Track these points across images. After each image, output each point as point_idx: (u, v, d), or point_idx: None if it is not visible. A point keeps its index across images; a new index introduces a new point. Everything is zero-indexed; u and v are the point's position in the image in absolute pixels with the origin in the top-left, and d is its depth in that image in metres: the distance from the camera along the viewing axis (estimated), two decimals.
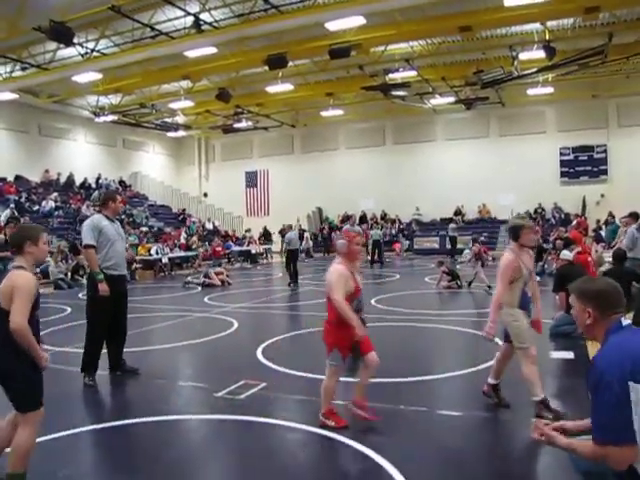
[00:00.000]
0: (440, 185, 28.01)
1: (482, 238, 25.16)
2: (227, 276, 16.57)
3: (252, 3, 15.59)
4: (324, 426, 4.46)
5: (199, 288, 15.52)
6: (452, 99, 23.88)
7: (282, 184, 31.88)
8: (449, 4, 15.01)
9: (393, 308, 10.76)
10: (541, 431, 2.43)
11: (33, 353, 3.25)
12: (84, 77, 19.15)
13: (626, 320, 2.31)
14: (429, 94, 23.51)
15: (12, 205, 21.24)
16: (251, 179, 33.45)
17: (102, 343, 6.25)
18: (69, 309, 11.95)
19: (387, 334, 8.67)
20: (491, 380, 4.96)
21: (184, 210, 30.88)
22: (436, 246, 26.54)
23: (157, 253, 20.29)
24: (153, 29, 16.49)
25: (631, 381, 2.01)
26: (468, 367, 6.22)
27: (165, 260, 20.46)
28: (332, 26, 15.30)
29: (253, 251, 26.10)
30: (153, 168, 32.56)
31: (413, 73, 20.42)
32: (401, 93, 22.13)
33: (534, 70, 19.14)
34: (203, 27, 15.89)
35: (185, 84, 22.45)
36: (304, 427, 4.57)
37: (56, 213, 23.16)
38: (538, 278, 15.40)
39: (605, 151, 25.74)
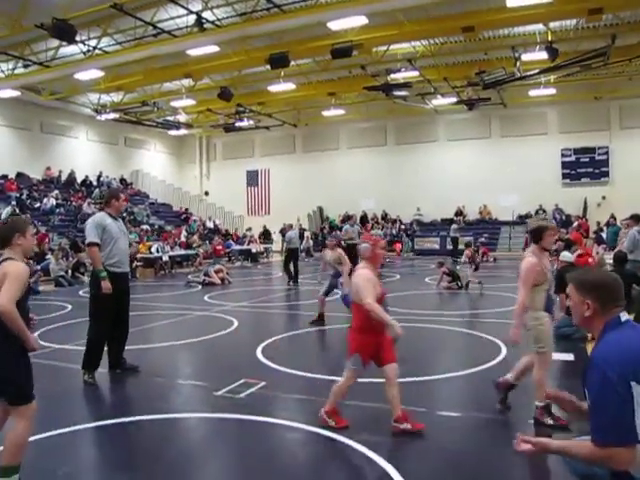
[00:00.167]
0: (441, 185, 28.00)
1: (482, 239, 25.25)
2: (227, 274, 16.58)
3: (254, 2, 15.58)
4: (324, 425, 4.44)
5: (199, 287, 15.52)
6: (454, 99, 23.86)
7: (283, 183, 31.88)
8: (452, 4, 14.99)
9: (393, 309, 10.74)
10: (528, 441, 2.26)
11: (22, 335, 3.26)
12: (86, 75, 19.16)
13: (625, 315, 2.26)
14: (431, 94, 23.49)
15: (13, 202, 21.26)
16: (252, 178, 33.44)
17: (105, 341, 6.25)
18: (70, 306, 11.96)
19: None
20: (511, 379, 4.86)
21: (187, 209, 30.85)
22: (436, 247, 26.53)
23: (157, 251, 20.29)
24: (155, 27, 16.48)
25: (633, 381, 1.99)
26: (468, 368, 6.22)
27: (165, 258, 20.46)
28: (334, 26, 15.29)
29: (254, 250, 26.09)
30: (154, 166, 32.57)
31: (415, 73, 20.40)
32: (403, 93, 22.11)
33: (536, 71, 19.13)
34: (205, 25, 15.87)
35: (187, 82, 22.44)
36: (303, 426, 4.57)
37: (57, 210, 23.18)
38: None
39: (607, 153, 25.72)
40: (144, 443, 4.54)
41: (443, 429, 4.59)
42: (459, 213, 28.05)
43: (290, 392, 5.60)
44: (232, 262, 24.34)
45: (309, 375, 6.20)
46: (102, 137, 29.19)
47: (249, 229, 28.59)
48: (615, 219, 21.29)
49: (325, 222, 31.15)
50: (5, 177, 23.41)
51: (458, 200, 27.88)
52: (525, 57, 18.56)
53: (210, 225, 29.94)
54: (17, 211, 20.33)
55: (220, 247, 24.78)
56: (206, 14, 15.86)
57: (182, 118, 27.45)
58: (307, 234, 28.15)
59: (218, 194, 33.72)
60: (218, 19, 16.41)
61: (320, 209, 31.73)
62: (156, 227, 25.61)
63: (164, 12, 16.13)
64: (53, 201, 23.24)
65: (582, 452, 2.11)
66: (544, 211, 26.59)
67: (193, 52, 17.33)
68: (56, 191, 24.36)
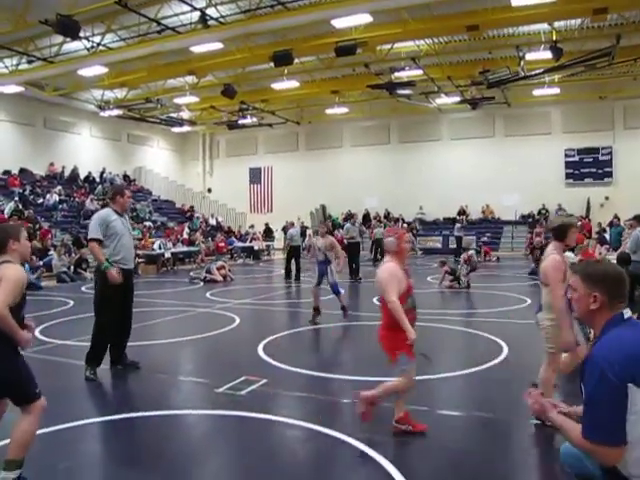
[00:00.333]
0: (444, 184, 27.97)
1: (485, 238, 25.25)
2: (229, 271, 16.59)
3: None
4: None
5: (201, 283, 15.54)
6: (458, 98, 23.82)
7: (286, 181, 31.88)
8: (456, 3, 14.94)
9: None
10: (537, 400, 2.33)
11: (14, 335, 3.24)
12: (90, 71, 19.15)
13: (628, 313, 2.21)
14: (435, 93, 23.44)
15: (16, 198, 21.30)
16: (255, 175, 33.44)
17: (109, 337, 6.26)
18: (72, 302, 12.00)
19: None
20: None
21: (192, 207, 30.85)
22: (439, 245, 26.52)
23: (160, 248, 20.31)
24: (159, 24, 16.47)
25: (631, 383, 1.98)
26: (469, 367, 6.22)
27: (168, 255, 20.48)
28: (338, 23, 15.26)
29: (256, 247, 26.10)
30: (157, 163, 32.58)
31: (419, 72, 20.36)
32: (406, 92, 22.07)
33: (540, 71, 19.06)
34: (209, 22, 15.87)
35: (190, 79, 22.43)
36: (304, 424, 4.57)
37: (60, 206, 23.20)
38: None
39: (610, 153, 25.64)
40: (145, 439, 4.55)
41: (444, 428, 4.58)
42: (462, 212, 28.00)
43: (291, 390, 5.60)
44: (234, 259, 24.36)
45: (310, 373, 6.21)
46: (105, 133, 29.20)
47: (252, 226, 28.62)
48: (619, 220, 21.23)
49: (328, 220, 31.10)
50: (8, 173, 23.43)
51: (461, 199, 27.85)
52: (529, 56, 18.50)
53: (213, 222, 29.95)
54: (20, 207, 20.36)
55: (222, 244, 24.81)
56: (210, 11, 15.85)
57: (185, 115, 27.44)
58: (309, 232, 28.13)
59: (221, 191, 33.72)
60: (222, 16, 16.40)
61: (323, 207, 31.71)
62: (159, 224, 25.62)
63: (168, 9, 16.12)
64: (56, 197, 23.27)
65: (573, 437, 2.10)
66: (547, 211, 26.56)
67: (197, 49, 17.32)
68: (59, 187, 24.37)
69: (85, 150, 28.05)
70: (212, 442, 4.53)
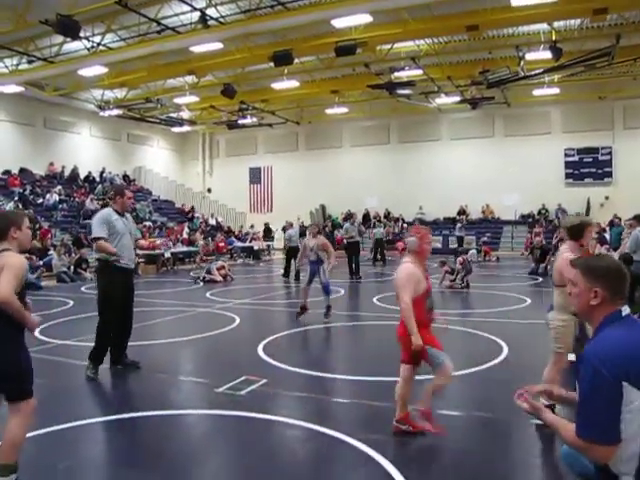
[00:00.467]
0: (444, 184, 27.97)
1: (485, 238, 25.26)
2: (229, 271, 16.60)
3: None
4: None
5: (201, 283, 15.54)
6: (457, 98, 23.82)
7: (286, 181, 31.89)
8: (456, 3, 14.93)
9: (394, 307, 10.74)
10: (527, 400, 2.32)
11: (22, 319, 3.24)
12: (90, 71, 19.15)
13: (626, 310, 2.19)
14: (434, 93, 23.44)
15: (16, 198, 21.31)
16: (255, 175, 33.45)
17: (112, 336, 6.28)
18: (71, 302, 11.99)
19: (388, 333, 8.67)
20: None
21: (192, 208, 30.84)
22: (439, 245, 26.51)
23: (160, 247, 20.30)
24: (159, 24, 16.47)
25: (625, 382, 1.97)
26: (469, 367, 6.21)
27: (168, 255, 20.49)
28: (338, 23, 15.26)
29: (256, 247, 26.10)
30: (157, 163, 32.58)
31: (419, 72, 20.36)
32: (406, 92, 22.07)
33: (540, 71, 19.07)
34: (209, 22, 15.87)
35: (190, 79, 22.43)
36: (304, 424, 4.57)
37: (60, 206, 23.20)
38: (540, 279, 15.45)
39: (610, 153, 25.65)
40: (145, 439, 4.55)
41: (445, 428, 4.58)
42: (462, 212, 28.01)
43: (291, 390, 5.60)
44: (234, 259, 24.36)
45: (310, 373, 6.21)
46: (105, 133, 29.20)
47: (252, 226, 28.64)
48: (620, 220, 21.23)
49: (328, 220, 31.14)
50: (8, 172, 23.43)
51: (461, 199, 27.86)
52: (529, 56, 18.50)
53: (212, 222, 29.96)
54: (20, 206, 20.36)
55: (222, 244, 24.81)
56: (210, 11, 15.85)
57: (185, 115, 27.43)
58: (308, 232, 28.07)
59: (221, 191, 33.72)
60: (222, 16, 16.40)
61: (323, 207, 31.72)
62: (158, 223, 25.62)
63: (168, 9, 16.12)
64: (56, 197, 23.27)
65: (566, 436, 2.10)
66: (547, 211, 26.58)
67: (197, 49, 17.32)
68: (59, 187, 24.37)
69: (85, 150, 28.04)
70: (212, 442, 4.53)
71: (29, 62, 19.36)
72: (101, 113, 25.59)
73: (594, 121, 25.61)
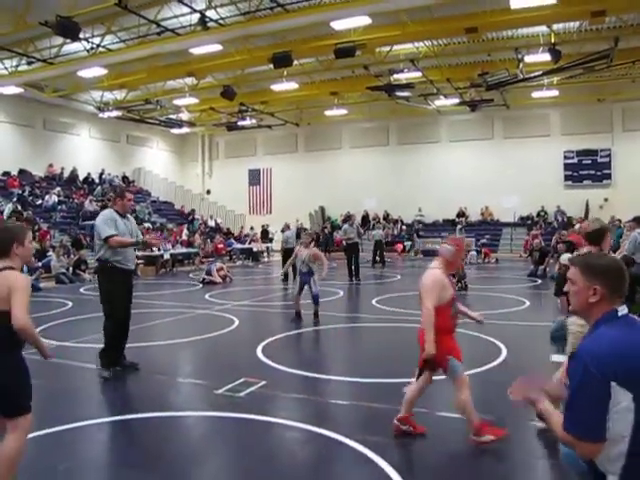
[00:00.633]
0: (443, 186, 27.98)
1: (484, 240, 25.29)
2: (228, 272, 16.60)
3: (258, 1, 15.58)
4: (481, 444, 4.15)
5: (200, 285, 15.54)
6: (456, 100, 23.83)
7: (285, 182, 31.89)
8: (455, 5, 14.96)
9: (394, 309, 10.77)
10: (522, 392, 2.29)
11: (39, 347, 3.18)
12: (89, 72, 19.15)
13: (624, 310, 2.17)
14: (434, 95, 23.46)
15: (15, 199, 21.30)
16: (254, 177, 33.45)
17: (120, 334, 6.31)
18: (70, 303, 11.98)
19: (388, 335, 8.68)
20: None
21: (193, 210, 30.84)
22: (438, 247, 26.50)
23: (159, 249, 20.30)
24: (159, 25, 16.47)
25: (614, 381, 1.97)
26: (468, 369, 6.19)
27: (167, 256, 20.49)
28: (338, 25, 15.27)
29: (255, 249, 26.09)
30: (156, 164, 32.58)
31: (418, 74, 20.38)
32: (405, 94, 22.10)
33: (539, 73, 19.10)
34: (209, 24, 15.87)
35: (190, 81, 22.43)
36: (303, 426, 4.58)
37: (59, 208, 23.19)
38: (540, 281, 15.45)
39: (609, 155, 25.67)
40: (144, 441, 4.55)
41: (443, 430, 4.59)
42: (461, 214, 28.02)
43: (290, 391, 5.61)
44: (233, 261, 24.36)
45: (309, 374, 6.21)
46: (105, 135, 29.20)
47: (252, 228, 28.64)
48: (620, 221, 21.26)
49: (327, 222, 31.15)
50: (7, 174, 23.41)
51: (460, 201, 27.86)
52: (528, 59, 18.53)
53: (212, 224, 29.96)
54: (19, 208, 20.36)
55: (221, 246, 24.81)
56: (210, 13, 15.86)
57: (185, 116, 27.43)
58: None
59: (220, 193, 33.72)
60: (222, 18, 16.42)
61: (322, 208, 31.73)
62: (158, 225, 25.62)
63: (168, 10, 16.13)
64: (55, 198, 23.26)
65: (556, 429, 2.11)
66: (546, 213, 26.60)
67: (196, 51, 17.34)
68: (58, 188, 24.35)
69: (84, 151, 28.04)
70: (211, 444, 4.53)
71: (29, 63, 19.35)
72: (100, 114, 25.59)
73: (593, 123, 25.64)
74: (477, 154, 27.93)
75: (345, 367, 6.94)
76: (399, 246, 27.19)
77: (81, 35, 15.35)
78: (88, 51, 17.84)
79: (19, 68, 19.94)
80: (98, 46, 17.74)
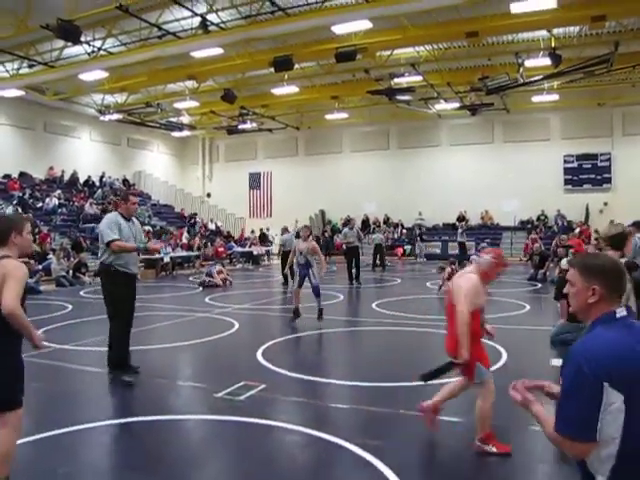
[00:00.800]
0: (443, 190, 28.00)
1: (484, 244, 25.24)
2: (228, 275, 16.60)
3: (259, 5, 15.62)
4: (482, 452, 4.10)
5: (200, 288, 15.53)
6: (457, 104, 23.88)
7: (285, 186, 31.91)
8: (456, 10, 15.02)
9: (393, 312, 10.76)
10: (520, 393, 2.27)
11: (28, 334, 3.14)
12: (90, 75, 19.20)
13: (622, 312, 2.14)
14: (434, 99, 23.50)
15: (16, 202, 21.31)
16: (254, 180, 33.47)
17: (128, 336, 6.29)
18: (70, 306, 11.98)
19: (387, 338, 8.68)
20: None
21: (195, 214, 30.84)
22: (438, 251, 26.55)
23: (159, 252, 20.28)
24: (160, 29, 16.51)
25: (607, 382, 1.95)
26: None
27: (167, 260, 20.49)
28: (338, 29, 15.31)
29: (255, 252, 26.09)
30: (157, 167, 32.61)
31: (418, 78, 20.42)
32: (406, 98, 22.13)
33: (539, 77, 19.13)
34: (210, 28, 15.90)
35: (191, 84, 22.48)
36: (303, 429, 4.57)
37: (59, 210, 23.20)
38: (540, 285, 15.45)
39: (609, 159, 25.70)
40: (143, 444, 4.54)
41: (444, 434, 4.58)
42: (461, 218, 28.03)
43: (290, 395, 5.60)
44: (233, 264, 24.36)
45: (309, 378, 6.21)
46: (105, 138, 29.24)
47: (253, 231, 28.65)
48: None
49: (327, 225, 31.17)
50: (8, 176, 23.43)
51: (460, 205, 27.87)
52: (528, 63, 18.57)
53: (212, 227, 29.97)
54: (19, 210, 20.36)
55: (222, 249, 24.81)
56: (211, 16, 15.89)
57: (185, 120, 27.48)
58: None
59: (220, 196, 33.74)
60: (223, 21, 16.45)
61: (322, 212, 31.75)
62: (158, 228, 25.64)
63: (169, 14, 16.17)
64: (55, 201, 23.27)
65: (547, 430, 2.11)
66: (546, 217, 26.62)
67: (197, 54, 17.36)
68: (58, 191, 24.37)
69: (85, 154, 28.08)
70: (211, 447, 4.52)
71: (30, 66, 19.38)
72: (101, 117, 25.64)
73: (593, 127, 25.68)
74: (477, 158, 27.96)
75: (345, 371, 6.93)
76: (399, 250, 27.21)
77: (82, 38, 15.41)
78: (89, 54, 17.88)
79: (20, 71, 19.98)
80: (99, 49, 17.79)
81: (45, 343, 3.40)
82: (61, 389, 5.86)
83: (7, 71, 20.25)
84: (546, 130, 26.94)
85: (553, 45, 17.46)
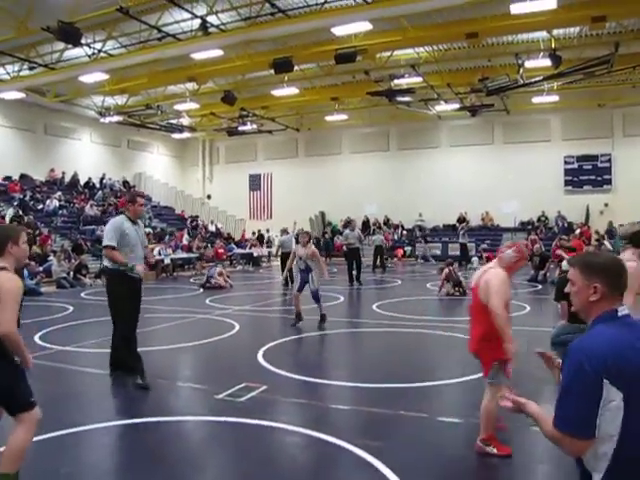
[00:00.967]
0: (443, 191, 28.00)
1: (484, 245, 25.26)
2: (228, 277, 16.60)
3: (259, 7, 15.64)
4: (483, 454, 4.09)
5: (201, 289, 15.53)
6: (457, 106, 23.89)
7: (285, 187, 31.91)
8: (456, 11, 15.03)
9: (393, 314, 10.76)
10: (510, 400, 2.26)
11: (21, 356, 3.17)
12: (91, 77, 19.23)
13: (624, 310, 2.14)
14: (434, 100, 23.51)
15: (16, 203, 21.32)
16: (255, 182, 33.48)
17: (134, 339, 6.22)
18: (71, 308, 11.98)
19: (388, 339, 8.68)
20: None
21: (197, 217, 30.84)
22: (438, 252, 26.55)
23: (160, 254, 20.32)
24: (160, 31, 16.54)
25: (606, 379, 1.96)
26: (469, 374, 6.21)
27: (167, 261, 20.49)
28: (338, 31, 15.33)
29: (255, 254, 26.09)
30: (157, 169, 32.62)
31: (418, 79, 20.44)
32: (406, 99, 22.14)
33: (539, 78, 19.14)
34: (210, 30, 15.93)
35: (191, 86, 22.51)
36: (304, 430, 4.58)
37: (60, 212, 23.22)
38: (540, 286, 15.45)
39: (609, 160, 25.70)
40: (144, 445, 4.54)
41: (444, 435, 4.59)
42: (462, 219, 28.01)
43: (291, 396, 5.60)
44: (234, 266, 24.36)
45: (310, 379, 6.21)
46: (105, 139, 29.26)
47: (253, 233, 28.65)
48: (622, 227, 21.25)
49: (327, 227, 31.16)
50: (9, 178, 23.48)
51: (460, 206, 27.85)
52: (528, 64, 18.59)
53: (212, 229, 29.98)
54: (20, 212, 20.39)
55: (222, 250, 24.81)
56: (211, 18, 15.92)
57: (185, 121, 27.50)
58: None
59: (220, 197, 33.75)
60: (223, 23, 16.48)
61: (322, 214, 31.75)
62: (158, 230, 25.64)
63: (169, 16, 16.19)
64: (56, 203, 23.29)
65: (545, 428, 2.11)
66: (546, 218, 26.61)
67: (197, 56, 17.39)
68: (59, 193, 24.40)
69: (85, 156, 28.10)
70: (211, 448, 4.53)
71: (30, 68, 19.42)
72: (102, 119, 25.67)
73: (593, 128, 25.68)
74: (477, 159, 27.97)
75: (345, 372, 6.93)
76: (399, 251, 27.20)
77: (82, 40, 15.44)
78: (89, 56, 17.91)
79: (21, 73, 20.03)
80: (99, 51, 17.82)
81: (39, 342, 3.43)
82: (62, 391, 5.86)
83: (8, 73, 20.30)
84: (546, 131, 26.95)
85: (553, 46, 17.47)
